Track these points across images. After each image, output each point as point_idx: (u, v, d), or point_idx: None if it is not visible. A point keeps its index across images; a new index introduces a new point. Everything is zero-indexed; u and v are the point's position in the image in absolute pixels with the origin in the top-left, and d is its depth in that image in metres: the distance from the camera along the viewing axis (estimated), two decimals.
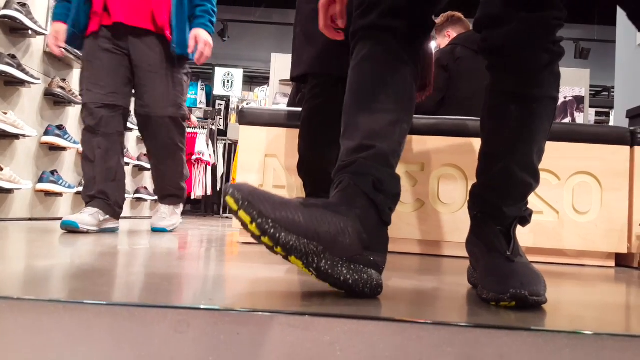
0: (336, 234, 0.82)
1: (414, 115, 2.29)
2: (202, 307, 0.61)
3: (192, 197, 6.93)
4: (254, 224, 0.76)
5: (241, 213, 0.77)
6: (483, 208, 1.08)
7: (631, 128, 2.21)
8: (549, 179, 2.12)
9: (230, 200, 0.77)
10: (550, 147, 2.08)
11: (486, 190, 1.08)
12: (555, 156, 2.10)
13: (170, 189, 2.61)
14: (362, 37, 1.05)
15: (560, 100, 4.75)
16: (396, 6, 1.01)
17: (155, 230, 2.52)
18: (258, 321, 0.60)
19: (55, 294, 0.70)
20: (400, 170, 2.12)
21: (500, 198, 1.04)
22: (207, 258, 1.55)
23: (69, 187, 3.28)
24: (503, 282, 0.89)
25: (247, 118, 2.21)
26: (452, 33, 3.07)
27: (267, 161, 2.18)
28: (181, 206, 2.71)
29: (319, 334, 0.60)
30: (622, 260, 2.15)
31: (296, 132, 1.93)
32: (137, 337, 0.60)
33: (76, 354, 0.59)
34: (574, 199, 2.11)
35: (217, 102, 8.87)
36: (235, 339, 0.60)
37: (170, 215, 2.62)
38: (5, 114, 2.70)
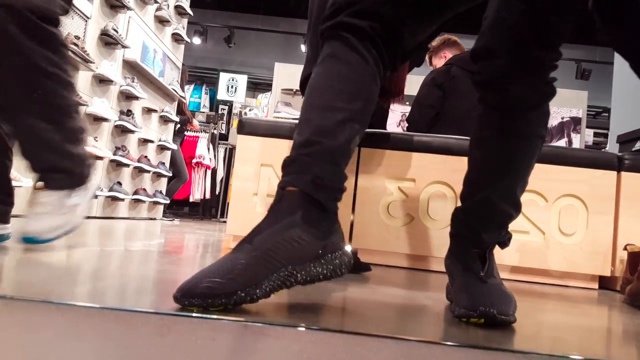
0: (295, 249, 0.85)
1: (408, 133, 2.34)
2: (182, 314, 0.67)
3: (191, 199, 6.99)
4: (230, 306, 0.76)
5: (212, 310, 0.75)
6: (463, 231, 1.13)
7: (619, 154, 2.27)
8: (537, 200, 2.18)
9: (194, 309, 0.75)
10: (539, 169, 2.14)
11: (467, 216, 1.12)
12: (544, 178, 2.16)
13: (48, 158, 1.40)
14: (329, 37, 1.04)
15: (558, 120, 4.81)
16: (365, 8, 1.00)
17: (26, 241, 1.34)
18: (233, 328, 0.66)
19: (42, 295, 0.76)
20: (391, 185, 2.19)
21: (480, 225, 1.09)
22: (197, 264, 1.61)
23: None
24: (474, 300, 0.94)
25: (246, 128, 2.28)
26: (448, 54, 3.15)
27: (263, 170, 2.24)
28: (81, 191, 1.45)
29: (288, 343, 0.65)
30: (605, 283, 2.20)
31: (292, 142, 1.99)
32: (122, 339, 0.65)
33: (64, 353, 0.64)
34: (560, 221, 2.16)
35: (220, 106, 8.96)
36: (210, 344, 0.65)
37: (55, 208, 1.41)
38: None
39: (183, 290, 0.76)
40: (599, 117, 8.10)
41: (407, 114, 4.65)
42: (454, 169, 2.13)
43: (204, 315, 0.68)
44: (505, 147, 1.08)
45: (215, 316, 0.67)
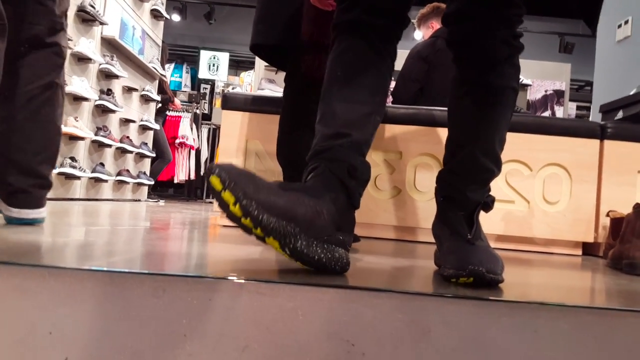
0: (312, 216, 0.87)
1: (394, 105, 2.35)
2: (176, 273, 0.66)
3: (176, 181, 6.93)
4: (237, 205, 0.77)
5: (226, 194, 0.78)
6: (448, 192, 1.15)
7: (601, 122, 2.30)
8: (521, 170, 2.20)
9: (215, 180, 0.79)
10: (524, 139, 2.18)
11: (451, 176, 1.15)
12: (528, 148, 2.18)
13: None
14: (344, 31, 1.11)
15: (541, 93, 4.85)
16: (380, 5, 1.08)
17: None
18: (228, 288, 0.66)
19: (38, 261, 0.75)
20: (378, 158, 2.20)
21: (464, 183, 1.11)
22: (187, 238, 1.60)
23: None
24: (463, 260, 0.96)
25: (230, 103, 2.25)
26: (436, 25, 3.13)
27: (249, 145, 2.22)
28: None
29: (283, 301, 0.66)
30: (588, 250, 2.25)
31: (278, 117, 1.97)
32: (117, 301, 0.65)
33: (59, 316, 0.64)
34: (545, 190, 2.20)
35: (202, 85, 8.83)
36: (207, 304, 0.65)
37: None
38: None
39: (222, 164, 0.81)
40: (581, 90, 8.18)
41: (391, 89, 4.64)
42: (439, 141, 2.14)
43: (199, 275, 0.67)
44: (481, 100, 1.12)
45: (210, 276, 0.67)
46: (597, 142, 2.21)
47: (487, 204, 1.15)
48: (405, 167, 2.18)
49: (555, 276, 1.36)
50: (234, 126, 2.24)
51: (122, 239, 1.29)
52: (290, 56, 1.81)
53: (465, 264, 0.94)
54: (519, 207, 2.20)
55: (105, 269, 0.66)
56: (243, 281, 0.67)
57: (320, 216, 0.88)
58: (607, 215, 2.11)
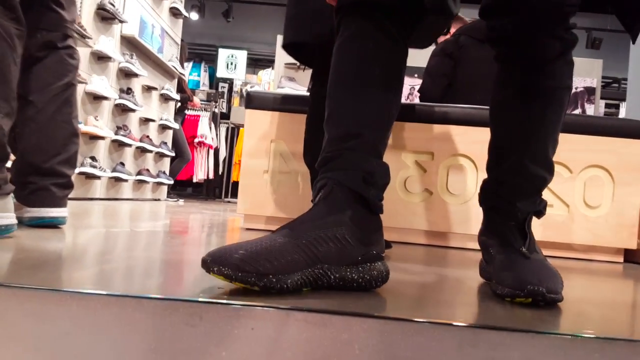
0: (336, 249, 0.80)
1: (425, 103, 2.24)
2: (216, 301, 0.58)
3: (194, 180, 6.91)
4: (256, 287, 0.70)
5: (238, 283, 0.70)
6: (495, 204, 1.04)
7: None
8: (561, 172, 2.09)
9: (219, 277, 0.70)
10: (563, 139, 2.04)
11: (498, 186, 1.04)
12: (568, 149, 2.06)
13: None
14: (349, 13, 0.97)
15: (572, 91, 4.67)
16: None
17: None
18: (273, 316, 0.58)
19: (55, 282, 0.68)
20: (408, 159, 2.10)
21: (513, 194, 1.00)
22: (211, 245, 1.53)
23: None
24: (519, 278, 0.87)
25: (254, 102, 2.17)
26: (452, 30, 3.07)
27: (273, 146, 2.14)
28: None
29: (337, 332, 0.57)
30: (630, 256, 2.12)
31: (304, 117, 1.89)
32: (147, 329, 0.57)
33: (82, 344, 0.56)
34: (585, 193, 2.08)
35: (220, 84, 8.80)
36: (250, 334, 0.57)
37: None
38: None
39: (214, 256, 0.71)
40: (609, 87, 7.94)
41: (415, 87, 4.53)
42: (474, 141, 2.04)
43: (241, 303, 0.59)
44: (531, 105, 0.98)
45: (253, 303, 0.59)
46: None
47: (540, 211, 1.04)
48: (438, 169, 2.08)
49: (617, 292, 1.25)
50: (258, 126, 2.16)
51: (148, 251, 1.22)
52: (317, 53, 1.73)
53: (524, 283, 0.84)
54: (558, 211, 2.08)
55: (133, 294, 0.58)
56: (290, 310, 0.58)
57: (344, 244, 0.81)
58: None
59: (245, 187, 2.14)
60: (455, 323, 0.59)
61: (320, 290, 0.76)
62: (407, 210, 2.07)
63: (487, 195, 1.07)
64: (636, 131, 2.08)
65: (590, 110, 4.63)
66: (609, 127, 2.10)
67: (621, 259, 2.10)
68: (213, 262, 0.70)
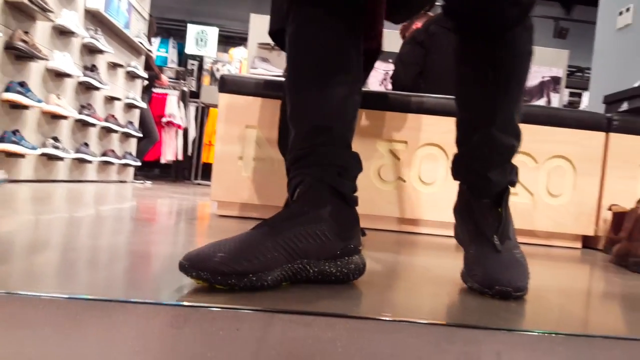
0: (316, 244, 0.82)
1: (401, 93, 2.26)
2: (200, 305, 0.59)
3: (162, 161, 6.78)
4: (237, 287, 0.71)
5: (219, 286, 0.71)
6: (467, 177, 1.03)
7: (608, 115, 2.25)
8: (527, 162, 2.16)
9: (198, 281, 0.71)
10: (530, 130, 2.12)
11: (469, 160, 1.02)
12: (534, 139, 2.13)
13: None
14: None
15: (538, 80, 4.80)
16: None
17: None
18: (258, 317, 0.59)
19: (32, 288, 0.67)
20: (383, 148, 2.13)
21: (484, 166, 0.98)
22: (190, 238, 1.52)
23: (32, 148, 3.14)
24: (489, 276, 0.89)
25: (229, 86, 2.14)
26: (419, 24, 3.11)
27: (248, 132, 2.13)
28: None
29: (320, 331, 0.59)
30: (588, 243, 2.23)
31: (279, 102, 1.88)
32: (130, 332, 0.58)
33: (64, 349, 0.56)
34: (549, 182, 2.16)
35: (190, 61, 8.60)
36: (235, 334, 0.58)
37: None
38: None
39: (192, 260, 0.71)
40: (573, 76, 8.17)
41: (389, 73, 4.55)
42: (447, 130, 2.08)
43: (225, 306, 0.60)
44: (495, 73, 0.95)
45: (237, 306, 0.60)
46: (602, 134, 2.17)
47: (512, 181, 1.03)
48: (411, 157, 2.11)
49: (577, 279, 1.32)
50: (232, 111, 2.14)
51: (118, 243, 1.20)
52: None
53: (493, 282, 0.87)
54: (523, 199, 2.16)
55: (117, 299, 0.58)
56: (275, 312, 0.60)
57: (322, 239, 0.83)
58: (609, 209, 2.08)
59: (219, 173, 2.13)
60: (433, 322, 0.61)
61: (304, 291, 0.78)
62: (381, 198, 2.10)
63: (458, 170, 1.06)
64: (598, 124, 2.17)
65: (555, 99, 4.78)
66: (573, 120, 2.17)
67: (580, 245, 2.20)
68: (191, 267, 0.70)
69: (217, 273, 0.70)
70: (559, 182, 2.15)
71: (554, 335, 0.62)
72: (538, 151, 2.15)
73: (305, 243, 0.81)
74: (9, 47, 2.95)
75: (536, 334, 0.62)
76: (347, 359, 0.59)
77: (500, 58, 0.95)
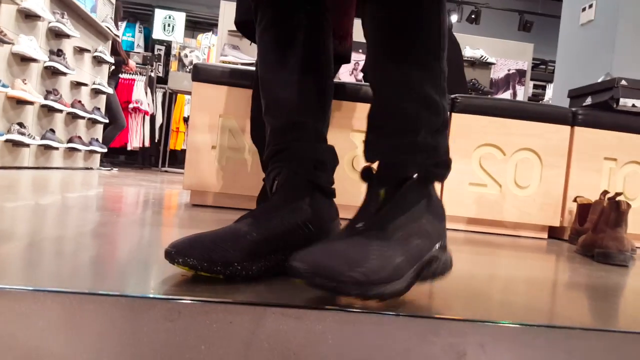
0: (296, 235, 0.82)
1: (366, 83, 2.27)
2: (193, 298, 0.60)
3: (129, 148, 6.64)
4: (221, 275, 0.72)
5: (203, 273, 0.71)
6: (370, 158, 0.89)
7: (573, 109, 2.34)
8: (495, 154, 2.22)
9: (184, 268, 0.70)
10: (499, 123, 2.19)
11: (369, 135, 0.89)
12: (503, 132, 2.20)
13: None
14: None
15: (504, 72, 4.92)
16: None
17: None
18: (251, 311, 0.60)
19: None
20: (357, 138, 2.14)
21: (381, 136, 0.85)
22: (166, 229, 1.51)
23: None
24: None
25: (202, 75, 2.12)
26: None
27: (222, 121, 2.11)
28: None
29: (311, 324, 0.60)
30: (553, 233, 2.32)
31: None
32: (124, 326, 0.58)
33: (58, 342, 0.57)
34: (516, 174, 2.23)
35: (157, 47, 8.39)
36: (228, 327, 0.59)
37: None
38: None
39: (178, 248, 0.71)
40: (537, 68, 8.39)
41: (360, 63, 4.57)
42: None
43: (219, 300, 0.61)
44: (387, 23, 0.84)
45: (229, 300, 0.61)
46: (568, 128, 2.25)
47: (439, 173, 0.84)
48: None
49: (547, 271, 1.38)
50: (205, 100, 2.11)
51: (96, 235, 1.19)
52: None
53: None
54: (491, 190, 2.23)
55: (111, 292, 0.59)
56: (269, 306, 0.61)
57: (303, 230, 0.84)
58: (575, 200, 2.17)
59: (192, 163, 2.11)
60: (419, 315, 0.64)
61: (295, 285, 0.78)
62: (354, 188, 2.13)
63: (366, 153, 0.90)
64: (563, 118, 2.25)
65: (520, 91, 4.91)
66: (540, 113, 2.25)
67: (545, 235, 2.29)
68: (177, 254, 0.70)
69: (204, 259, 0.71)
70: (526, 174, 2.23)
71: (535, 327, 0.66)
72: (506, 144, 2.21)
73: (287, 234, 0.82)
74: None
75: (518, 326, 0.65)
76: (337, 350, 0.61)
77: (395, 18, 0.83)
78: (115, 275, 0.76)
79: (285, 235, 0.82)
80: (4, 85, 3.05)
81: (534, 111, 2.26)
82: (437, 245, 0.77)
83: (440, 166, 0.85)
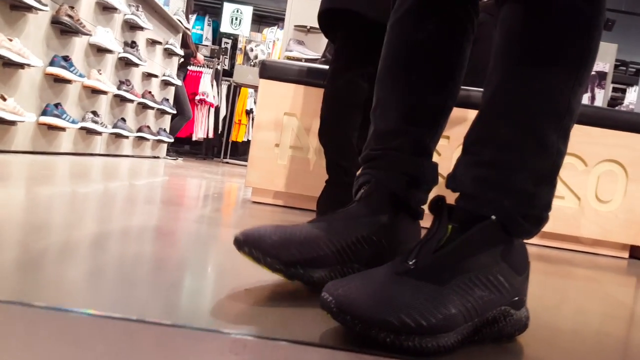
0: (368, 250, 0.79)
1: None
2: (259, 335, 0.56)
3: (194, 138, 6.82)
4: (281, 274, 0.74)
5: (264, 267, 0.73)
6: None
7: None
8: (575, 164, 2.06)
9: (247, 257, 0.73)
10: (581, 131, 2.02)
11: (457, 170, 0.75)
12: (585, 141, 2.03)
13: None
14: None
15: None
16: None
17: None
18: (323, 355, 0.55)
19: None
20: None
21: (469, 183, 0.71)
22: (228, 226, 1.49)
23: (73, 122, 3.17)
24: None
25: (269, 72, 2.10)
26: None
27: (286, 120, 2.09)
28: None
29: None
30: (637, 253, 2.12)
31: (320, 91, 1.82)
32: (189, 357, 0.55)
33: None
34: (598, 187, 2.06)
35: (224, 40, 8.55)
36: None
37: None
38: (11, 40, 2.55)
39: (248, 237, 0.73)
40: (616, 70, 7.81)
41: None
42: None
43: (306, 341, 0.56)
44: (515, 34, 0.72)
45: (305, 339, 0.56)
46: None
47: (519, 225, 0.68)
48: (452, 154, 2.04)
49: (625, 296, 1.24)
50: (271, 97, 2.09)
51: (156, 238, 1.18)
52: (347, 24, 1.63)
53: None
54: (569, 203, 2.07)
55: (165, 322, 0.55)
56: (364, 355, 0.55)
57: (378, 246, 0.79)
58: None
59: (255, 160, 2.10)
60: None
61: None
62: None
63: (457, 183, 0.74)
64: None
65: (600, 95, 4.56)
66: (627, 122, 2.06)
67: (627, 255, 2.10)
68: (245, 243, 0.72)
69: (268, 255, 0.71)
70: (609, 188, 2.05)
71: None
72: (588, 153, 2.04)
73: (360, 248, 0.77)
74: (55, 21, 2.96)
75: None
76: None
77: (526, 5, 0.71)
78: (180, 302, 0.73)
79: (356, 248, 0.77)
80: (81, 75, 3.18)
81: (620, 119, 2.07)
82: (511, 302, 0.67)
83: (531, 221, 0.69)
